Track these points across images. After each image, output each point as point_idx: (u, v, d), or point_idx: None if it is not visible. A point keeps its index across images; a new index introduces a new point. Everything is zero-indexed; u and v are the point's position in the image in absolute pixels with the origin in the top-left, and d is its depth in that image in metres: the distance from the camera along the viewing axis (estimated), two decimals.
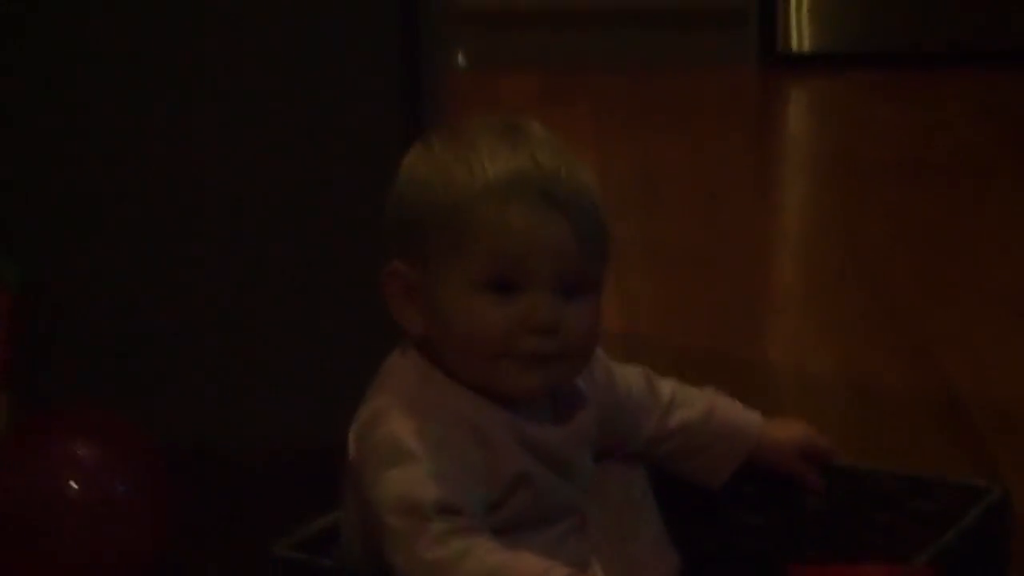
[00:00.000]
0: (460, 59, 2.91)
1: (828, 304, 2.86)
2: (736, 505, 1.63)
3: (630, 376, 1.57)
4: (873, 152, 3.62)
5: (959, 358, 2.53)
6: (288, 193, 2.15)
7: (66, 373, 2.18)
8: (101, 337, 2.20)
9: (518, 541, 1.37)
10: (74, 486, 1.87)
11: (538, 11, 4.25)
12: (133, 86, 2.17)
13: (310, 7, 2.10)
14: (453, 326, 1.39)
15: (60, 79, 2.16)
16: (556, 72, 4.16)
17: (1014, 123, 3.65)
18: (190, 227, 2.18)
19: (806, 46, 4.30)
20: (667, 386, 1.58)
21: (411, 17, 2.10)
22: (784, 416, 1.63)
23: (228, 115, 2.12)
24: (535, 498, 1.44)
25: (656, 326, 2.72)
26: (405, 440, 1.37)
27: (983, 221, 3.13)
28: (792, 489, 1.61)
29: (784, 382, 2.50)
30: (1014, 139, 3.55)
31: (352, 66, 2.09)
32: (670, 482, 1.60)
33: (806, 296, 2.93)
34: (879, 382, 2.49)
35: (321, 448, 1.62)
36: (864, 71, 4.21)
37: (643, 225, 3.20)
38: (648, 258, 3.03)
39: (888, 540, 1.58)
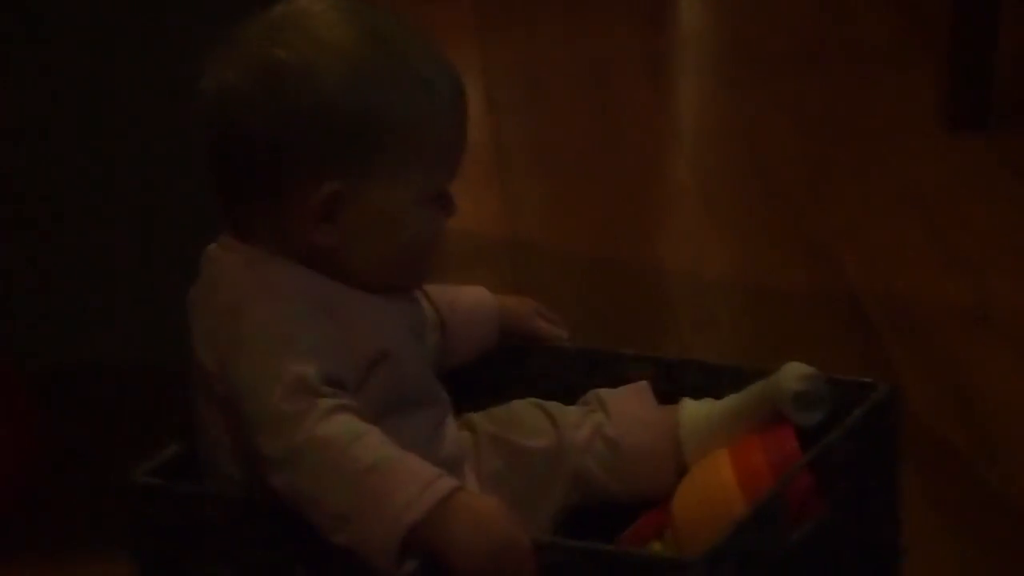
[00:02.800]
0: None
1: (723, 203, 2.88)
2: None
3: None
4: (771, 43, 3.60)
5: (856, 253, 2.59)
6: None
7: None
8: None
9: (389, 429, 1.38)
10: None
11: None
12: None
13: None
14: (398, 235, 1.45)
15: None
16: None
17: (916, 12, 3.62)
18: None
19: None
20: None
21: None
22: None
23: None
24: (398, 379, 1.46)
25: (543, 231, 2.75)
26: (275, 325, 1.39)
27: (882, 112, 3.16)
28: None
29: (677, 285, 2.54)
30: (916, 29, 3.55)
31: None
32: None
33: (701, 196, 2.93)
34: (775, 282, 2.54)
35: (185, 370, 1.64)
36: None
37: (528, 126, 3.23)
38: (535, 160, 3.07)
39: None
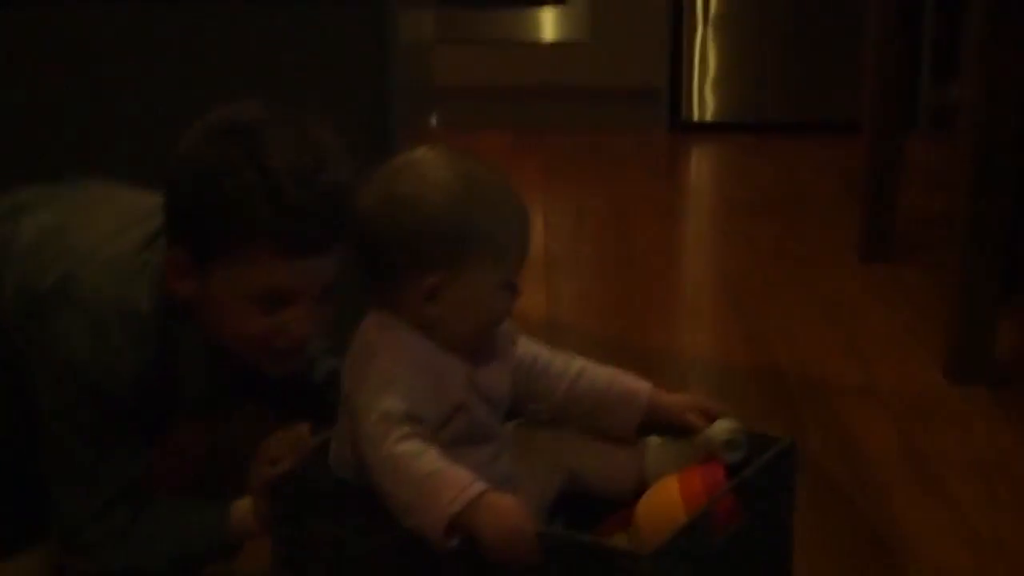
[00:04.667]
0: (433, 120, 2.90)
1: (702, 304, 2.84)
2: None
3: (536, 349, 1.56)
4: (742, 194, 3.54)
5: (786, 343, 2.54)
6: None
7: None
8: None
9: (458, 455, 1.37)
10: None
11: (508, 85, 4.14)
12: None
13: (297, 76, 1.91)
14: (481, 311, 1.43)
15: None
16: (523, 129, 4.09)
17: (841, 173, 3.64)
18: None
19: (707, 116, 4.23)
20: (578, 361, 1.56)
21: (380, 87, 1.93)
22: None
23: None
24: (468, 424, 1.45)
25: (574, 316, 2.69)
26: (388, 372, 1.39)
27: (812, 244, 3.11)
28: None
29: (668, 361, 2.46)
30: (840, 185, 3.55)
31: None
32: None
33: (687, 299, 2.90)
34: (727, 359, 2.47)
35: None
36: (746, 137, 4.13)
37: (570, 242, 3.16)
38: (572, 266, 2.99)
39: None
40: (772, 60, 4.17)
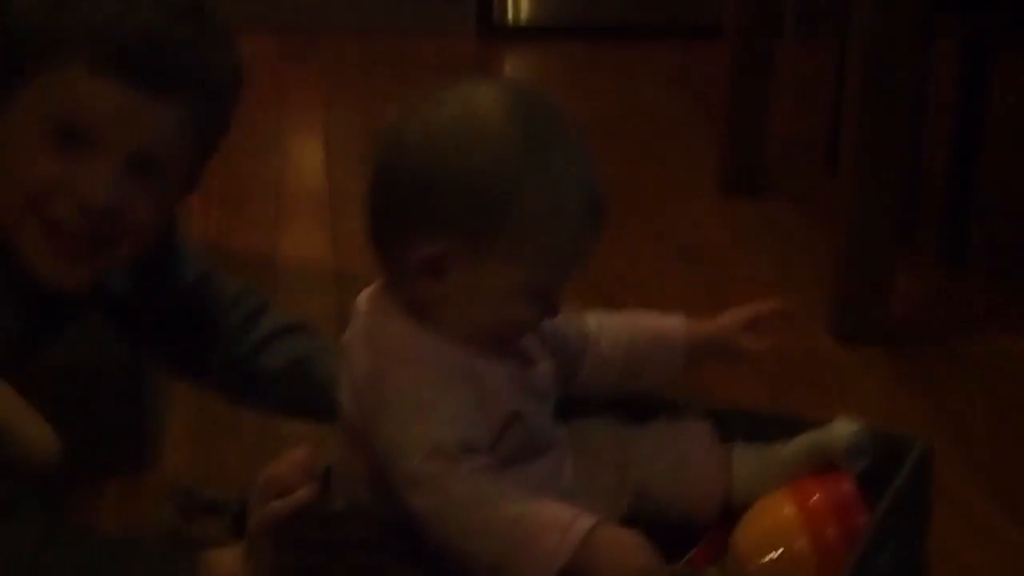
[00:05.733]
0: None
1: None
2: None
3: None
4: (572, 115, 3.53)
5: (627, 292, 2.47)
6: None
7: None
8: None
9: (518, 474, 1.35)
10: None
11: None
12: None
13: None
14: (494, 312, 1.34)
15: None
16: (291, 32, 4.02)
17: (695, 88, 3.64)
18: None
19: (521, 20, 4.15)
20: (591, 318, 1.53)
21: None
22: None
23: None
24: (526, 436, 1.39)
25: (368, 262, 2.60)
26: (415, 392, 1.32)
27: (661, 174, 3.04)
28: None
29: None
30: (694, 101, 3.55)
31: None
32: None
33: None
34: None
35: None
36: (575, 44, 4.07)
37: (361, 176, 3.14)
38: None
39: None
40: None
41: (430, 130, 1.32)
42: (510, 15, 4.13)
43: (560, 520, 1.28)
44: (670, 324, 1.55)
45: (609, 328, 1.53)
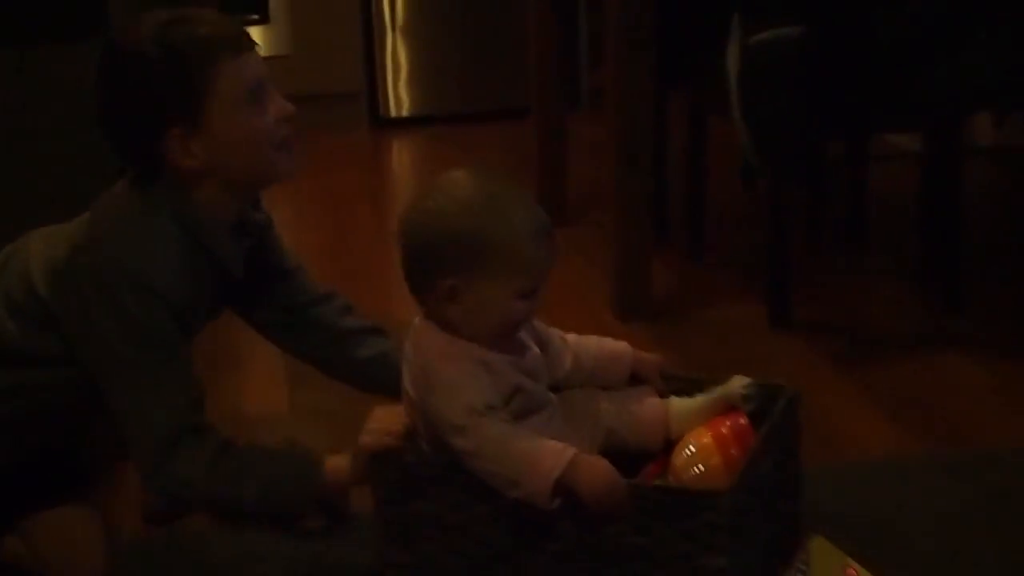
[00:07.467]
0: None
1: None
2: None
3: (540, 327, 1.68)
4: (438, 176, 3.10)
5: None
6: None
7: None
8: None
9: (524, 425, 1.50)
10: None
11: None
12: None
13: None
14: (496, 315, 1.52)
15: None
16: None
17: (520, 153, 3.63)
18: None
19: (403, 112, 4.44)
20: (569, 336, 1.70)
21: None
22: None
23: None
24: (526, 401, 1.56)
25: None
26: (450, 377, 1.50)
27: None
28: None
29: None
30: (521, 161, 3.53)
31: None
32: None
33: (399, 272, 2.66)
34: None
35: None
36: (440, 127, 4.32)
37: (295, 235, 2.98)
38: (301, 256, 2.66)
39: None
40: (453, 59, 4.42)
41: (426, 208, 1.50)
42: (393, 110, 4.46)
43: (555, 450, 1.42)
44: (622, 347, 1.70)
45: (584, 343, 1.68)
